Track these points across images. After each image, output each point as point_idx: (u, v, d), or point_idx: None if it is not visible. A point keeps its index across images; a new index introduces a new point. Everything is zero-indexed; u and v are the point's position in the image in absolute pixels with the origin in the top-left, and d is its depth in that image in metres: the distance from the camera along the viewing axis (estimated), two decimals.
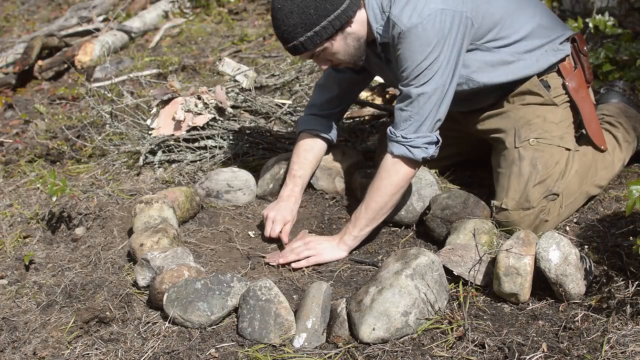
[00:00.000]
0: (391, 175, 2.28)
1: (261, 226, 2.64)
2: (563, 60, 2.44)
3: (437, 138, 2.26)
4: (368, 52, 2.36)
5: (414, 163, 2.27)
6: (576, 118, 2.51)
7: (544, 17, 2.43)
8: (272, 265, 2.38)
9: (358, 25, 2.26)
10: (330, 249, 2.38)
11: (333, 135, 2.74)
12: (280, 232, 2.50)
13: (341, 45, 2.25)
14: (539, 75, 2.42)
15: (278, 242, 2.53)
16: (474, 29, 2.24)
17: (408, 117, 2.22)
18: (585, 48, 2.50)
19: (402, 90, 2.23)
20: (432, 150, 2.26)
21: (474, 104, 2.50)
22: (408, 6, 2.15)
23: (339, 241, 2.38)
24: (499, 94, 2.46)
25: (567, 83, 2.44)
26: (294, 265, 2.36)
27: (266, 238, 2.53)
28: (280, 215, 2.52)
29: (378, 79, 3.59)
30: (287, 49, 2.26)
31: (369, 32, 2.30)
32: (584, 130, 2.51)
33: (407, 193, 2.47)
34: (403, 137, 2.23)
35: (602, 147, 2.51)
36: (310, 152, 2.68)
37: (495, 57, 2.34)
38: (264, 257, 2.45)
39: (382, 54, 2.36)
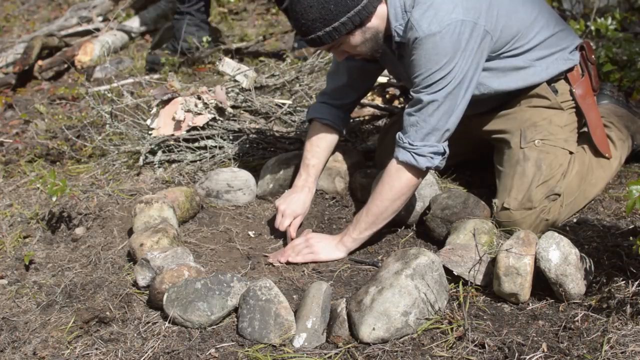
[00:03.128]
0: (393, 180, 2.27)
1: (261, 226, 2.66)
2: (572, 69, 2.45)
3: (445, 149, 2.25)
4: (383, 46, 2.33)
5: (417, 171, 2.26)
6: (580, 124, 2.52)
7: (557, 26, 2.44)
8: (273, 265, 2.39)
9: (378, 20, 2.23)
10: (329, 248, 2.38)
11: (343, 126, 2.72)
12: (289, 225, 2.51)
13: (359, 40, 2.23)
14: (548, 82, 2.43)
15: (284, 237, 2.54)
16: (492, 43, 2.23)
17: (415, 123, 2.21)
18: (593, 56, 2.51)
19: (413, 95, 2.22)
20: (438, 161, 2.24)
21: (480, 108, 2.50)
22: (429, 12, 2.13)
23: (339, 242, 2.38)
24: (507, 98, 2.47)
25: (574, 90, 2.45)
26: (290, 259, 2.37)
27: (275, 230, 2.56)
28: (291, 209, 2.53)
29: (377, 79, 3.59)
30: (304, 40, 2.25)
31: (387, 28, 2.27)
32: (586, 129, 2.53)
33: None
34: (409, 144, 2.22)
35: (607, 154, 2.52)
36: (322, 140, 2.66)
37: (508, 63, 2.34)
38: (267, 256, 2.46)
39: (397, 50, 2.35)
